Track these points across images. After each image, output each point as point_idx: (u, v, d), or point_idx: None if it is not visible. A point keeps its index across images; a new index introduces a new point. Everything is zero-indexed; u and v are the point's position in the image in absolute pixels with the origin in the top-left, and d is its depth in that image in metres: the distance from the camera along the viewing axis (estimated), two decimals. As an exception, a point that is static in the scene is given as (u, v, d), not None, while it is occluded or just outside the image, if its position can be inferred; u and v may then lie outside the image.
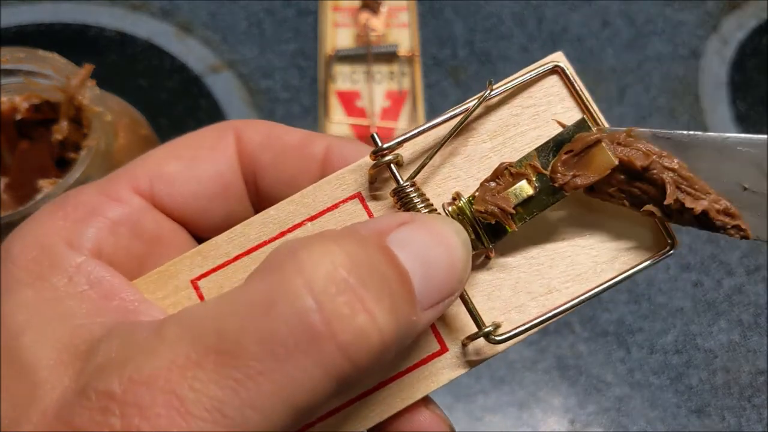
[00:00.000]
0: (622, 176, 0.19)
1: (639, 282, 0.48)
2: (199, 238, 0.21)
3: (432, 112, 0.53)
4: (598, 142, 0.19)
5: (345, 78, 0.53)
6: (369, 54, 0.52)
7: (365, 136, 0.50)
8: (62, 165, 0.34)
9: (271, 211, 0.20)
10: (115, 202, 0.19)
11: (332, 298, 0.14)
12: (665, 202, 0.18)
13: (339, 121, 0.51)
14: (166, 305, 0.19)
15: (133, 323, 0.16)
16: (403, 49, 0.53)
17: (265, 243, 0.20)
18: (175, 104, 0.53)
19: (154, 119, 0.38)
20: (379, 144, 0.19)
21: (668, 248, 0.20)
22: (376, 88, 0.52)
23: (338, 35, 0.54)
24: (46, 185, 0.30)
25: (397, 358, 0.19)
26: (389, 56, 0.53)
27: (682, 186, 0.18)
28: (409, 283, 0.16)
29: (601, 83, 0.54)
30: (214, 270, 0.20)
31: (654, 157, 0.18)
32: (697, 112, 0.54)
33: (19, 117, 0.34)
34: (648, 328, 0.46)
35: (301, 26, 0.56)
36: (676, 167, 0.18)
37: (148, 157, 0.20)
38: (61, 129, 0.33)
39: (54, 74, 0.32)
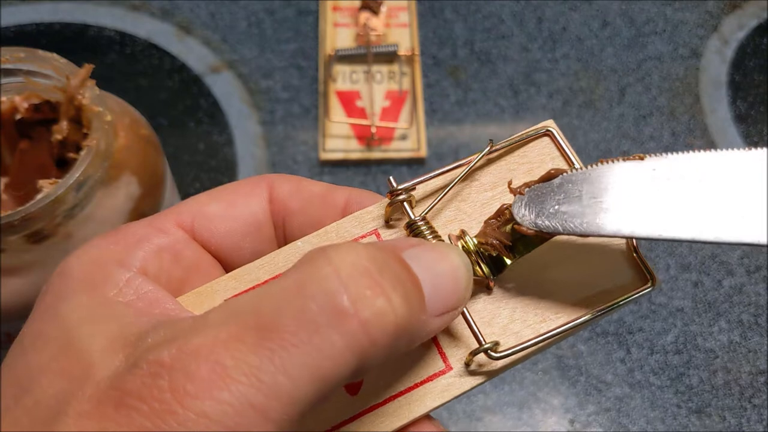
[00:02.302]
0: None
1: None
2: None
3: (432, 112, 0.53)
4: None
5: (345, 78, 0.53)
6: (369, 54, 0.52)
7: (365, 136, 0.50)
8: (62, 165, 0.34)
9: (298, 242, 0.23)
10: (161, 232, 0.22)
11: (357, 281, 0.17)
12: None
13: (339, 121, 0.51)
14: None
15: (177, 318, 0.19)
16: (403, 49, 0.53)
17: None
18: (175, 104, 0.53)
19: (154, 119, 0.38)
20: (395, 185, 0.22)
21: (648, 284, 0.22)
22: (376, 88, 0.52)
23: (338, 35, 0.54)
24: (46, 185, 0.30)
25: (406, 372, 0.21)
26: (389, 56, 0.53)
27: None
28: (420, 286, 0.18)
29: (601, 83, 0.54)
30: (245, 291, 0.22)
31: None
32: (697, 112, 0.54)
33: (19, 117, 0.34)
34: (648, 328, 0.46)
35: (301, 26, 0.56)
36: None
37: (192, 200, 0.23)
38: (61, 129, 0.33)
39: (54, 74, 0.32)
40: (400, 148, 0.51)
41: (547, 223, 0.21)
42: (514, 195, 0.22)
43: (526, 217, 0.21)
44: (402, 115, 0.52)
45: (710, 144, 0.53)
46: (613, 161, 0.21)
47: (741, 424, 0.44)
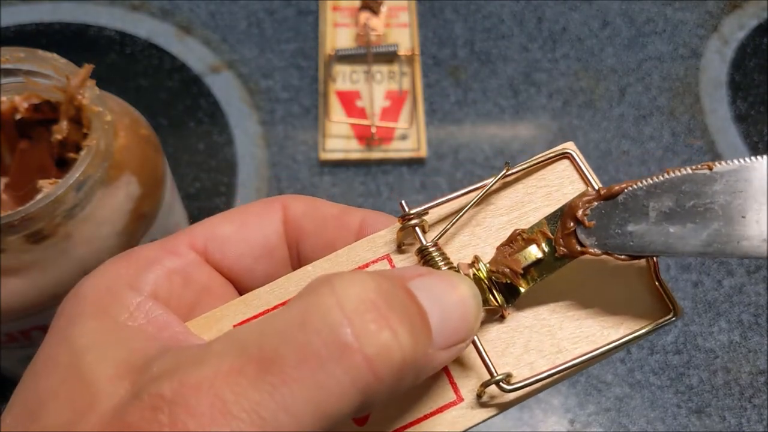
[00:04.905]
0: None
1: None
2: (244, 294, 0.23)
3: (432, 112, 0.53)
4: None
5: (345, 78, 0.53)
6: (369, 54, 0.52)
7: (365, 136, 0.50)
8: (62, 165, 0.34)
9: (308, 267, 0.22)
10: (173, 254, 0.22)
11: (361, 315, 0.16)
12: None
13: (339, 121, 0.51)
14: None
15: (185, 345, 0.19)
16: (403, 49, 0.53)
17: None
18: (175, 104, 0.53)
19: (154, 119, 0.38)
20: (407, 210, 0.22)
21: (671, 315, 0.21)
22: (376, 88, 0.52)
23: (338, 35, 0.54)
24: (46, 185, 0.30)
25: (416, 403, 0.21)
26: (389, 56, 0.53)
27: None
28: (427, 318, 0.18)
29: (601, 83, 0.54)
30: (254, 317, 0.21)
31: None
32: (697, 112, 0.54)
33: (19, 117, 0.34)
34: (648, 328, 0.46)
35: (301, 26, 0.56)
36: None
37: (205, 222, 0.23)
38: (61, 129, 0.33)
39: (54, 74, 0.32)
40: (400, 148, 0.51)
41: (614, 243, 0.20)
42: (580, 218, 0.21)
43: (592, 238, 0.20)
44: (402, 115, 0.52)
45: (710, 144, 0.53)
46: (679, 171, 0.20)
47: (741, 424, 0.44)
